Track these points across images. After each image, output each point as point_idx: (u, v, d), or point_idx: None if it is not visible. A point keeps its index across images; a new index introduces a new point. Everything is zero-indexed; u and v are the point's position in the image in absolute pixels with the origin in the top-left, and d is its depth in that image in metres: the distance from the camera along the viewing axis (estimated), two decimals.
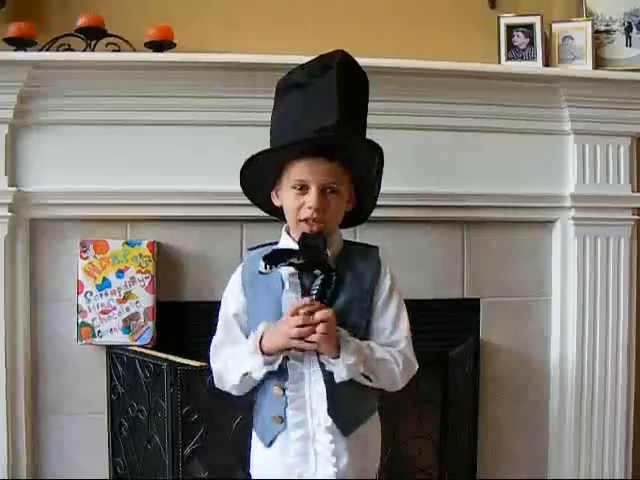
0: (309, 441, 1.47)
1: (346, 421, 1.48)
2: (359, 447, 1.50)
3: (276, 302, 1.49)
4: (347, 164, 1.51)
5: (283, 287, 1.50)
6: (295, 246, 1.48)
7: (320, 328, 1.39)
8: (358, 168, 1.53)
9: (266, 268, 1.44)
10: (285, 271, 1.48)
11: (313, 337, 1.39)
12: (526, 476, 2.25)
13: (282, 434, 1.48)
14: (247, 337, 1.54)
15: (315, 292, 1.45)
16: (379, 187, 1.59)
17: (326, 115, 1.45)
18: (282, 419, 1.47)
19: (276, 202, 1.58)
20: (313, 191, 1.46)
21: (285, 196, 1.52)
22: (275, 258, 1.45)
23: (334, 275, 1.46)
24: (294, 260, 1.44)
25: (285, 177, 1.51)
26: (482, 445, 2.24)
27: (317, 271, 1.45)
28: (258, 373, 1.47)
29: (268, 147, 1.54)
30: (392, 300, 1.56)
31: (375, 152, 1.52)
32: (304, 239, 1.45)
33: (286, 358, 1.46)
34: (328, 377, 1.46)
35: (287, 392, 1.47)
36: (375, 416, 1.58)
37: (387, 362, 1.50)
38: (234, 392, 1.56)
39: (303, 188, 1.48)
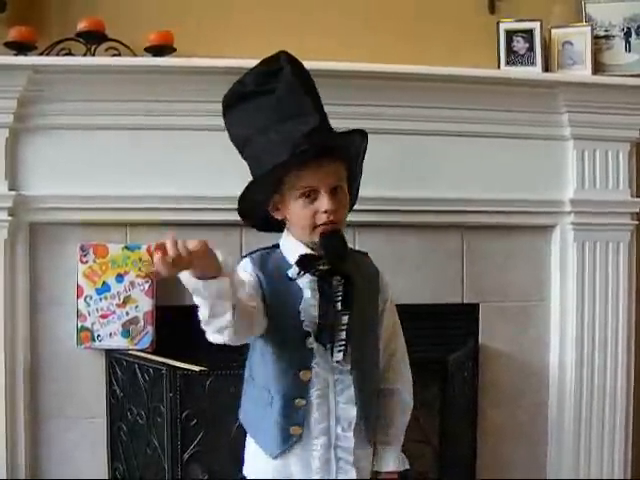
0: (330, 448, 1.46)
1: (371, 429, 1.51)
2: (370, 455, 1.55)
3: (296, 311, 1.44)
4: (344, 159, 1.48)
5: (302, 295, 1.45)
6: (311, 252, 1.45)
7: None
8: (352, 161, 1.51)
9: (299, 274, 1.41)
10: (303, 278, 1.44)
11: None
12: None
13: (297, 444, 1.46)
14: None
15: (339, 299, 1.43)
16: (361, 174, 1.57)
17: (307, 117, 1.41)
18: (302, 428, 1.45)
19: (277, 216, 1.51)
20: (324, 195, 1.42)
21: (292, 207, 1.45)
22: (305, 263, 1.42)
23: (352, 281, 1.44)
24: (321, 266, 1.41)
25: (287, 189, 1.45)
26: (481, 450, 2.24)
27: (337, 277, 1.43)
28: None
29: (260, 164, 1.46)
30: (393, 308, 1.60)
31: (363, 139, 1.49)
32: (326, 240, 1.42)
33: (310, 369, 1.45)
34: (357, 385, 1.46)
35: (312, 399, 1.44)
36: None
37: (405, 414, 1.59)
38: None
39: (312, 194, 1.43)
